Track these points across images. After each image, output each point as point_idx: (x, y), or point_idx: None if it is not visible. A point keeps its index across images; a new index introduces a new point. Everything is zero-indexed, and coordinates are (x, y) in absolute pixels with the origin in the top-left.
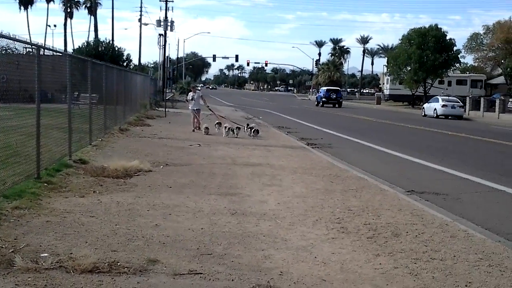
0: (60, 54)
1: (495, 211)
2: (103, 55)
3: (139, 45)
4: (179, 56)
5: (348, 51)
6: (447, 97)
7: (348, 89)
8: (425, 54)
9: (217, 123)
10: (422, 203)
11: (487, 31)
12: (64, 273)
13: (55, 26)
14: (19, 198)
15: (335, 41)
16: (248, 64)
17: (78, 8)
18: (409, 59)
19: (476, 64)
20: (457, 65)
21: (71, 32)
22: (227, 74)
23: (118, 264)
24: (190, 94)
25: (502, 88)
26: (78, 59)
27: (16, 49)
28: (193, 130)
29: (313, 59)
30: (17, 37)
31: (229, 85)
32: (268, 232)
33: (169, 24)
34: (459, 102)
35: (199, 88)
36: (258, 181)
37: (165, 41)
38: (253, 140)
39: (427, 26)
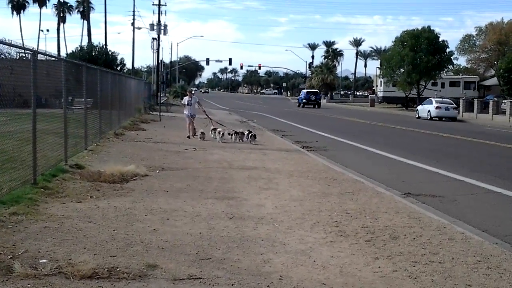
0: (55, 59)
1: (492, 213)
2: (97, 60)
3: (133, 49)
4: (172, 60)
5: (341, 53)
6: (441, 99)
7: (342, 92)
8: (418, 56)
9: (213, 129)
10: (418, 205)
11: (479, 32)
12: (63, 279)
13: (48, 30)
14: (16, 204)
15: (328, 44)
16: (241, 68)
17: (71, 12)
18: (402, 61)
19: (469, 66)
20: (450, 66)
21: (64, 37)
22: (220, 77)
23: (117, 269)
24: (186, 98)
25: (495, 90)
26: (73, 64)
27: (10, 54)
28: (188, 137)
29: (306, 61)
30: (12, 42)
31: (223, 89)
32: (267, 236)
33: (162, 28)
34: (453, 104)
35: (193, 92)
36: (255, 184)
37: (159, 45)
38: (249, 144)
39: (419, 28)
